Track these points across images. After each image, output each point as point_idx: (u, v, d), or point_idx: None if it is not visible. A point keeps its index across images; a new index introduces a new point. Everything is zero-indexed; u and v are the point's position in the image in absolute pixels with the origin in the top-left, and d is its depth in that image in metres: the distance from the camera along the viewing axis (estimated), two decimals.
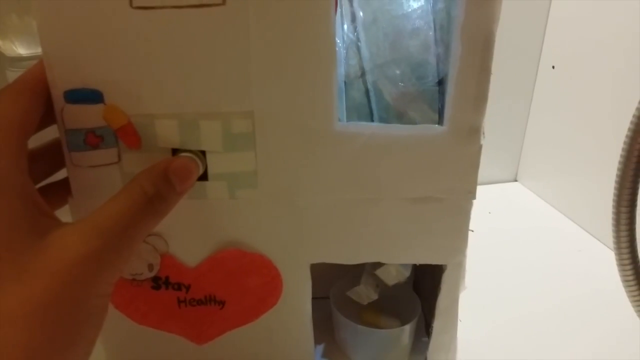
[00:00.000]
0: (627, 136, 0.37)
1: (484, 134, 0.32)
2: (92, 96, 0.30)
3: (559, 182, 0.70)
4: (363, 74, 0.36)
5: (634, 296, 0.39)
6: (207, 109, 0.31)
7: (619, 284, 0.40)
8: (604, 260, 0.58)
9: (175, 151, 0.32)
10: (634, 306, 0.40)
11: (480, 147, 0.32)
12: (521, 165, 0.77)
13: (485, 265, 0.57)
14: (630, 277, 0.40)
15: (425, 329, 0.43)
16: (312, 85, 0.30)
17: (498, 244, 0.62)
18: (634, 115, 0.36)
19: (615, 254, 0.40)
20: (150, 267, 0.35)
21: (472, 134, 0.31)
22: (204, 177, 0.32)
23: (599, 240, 0.62)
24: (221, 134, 0.31)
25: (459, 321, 0.48)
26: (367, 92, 0.36)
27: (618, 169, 0.38)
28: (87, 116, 0.31)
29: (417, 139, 0.32)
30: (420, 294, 0.44)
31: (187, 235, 0.34)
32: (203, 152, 0.32)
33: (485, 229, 0.65)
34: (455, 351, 0.40)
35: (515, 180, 0.78)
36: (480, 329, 0.48)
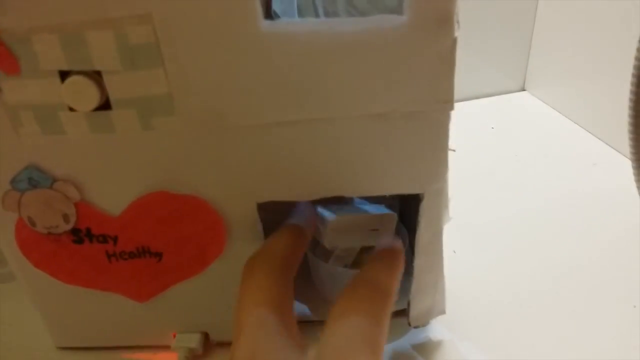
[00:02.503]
0: None
1: (458, 22, 0.24)
2: None
3: (572, 89, 0.62)
4: None
5: None
6: (92, 16, 0.24)
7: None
8: (623, 174, 0.51)
9: (64, 74, 0.25)
10: None
11: (454, 40, 0.24)
12: (529, 72, 0.68)
13: (488, 189, 0.51)
14: None
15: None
16: None
17: (503, 163, 0.55)
18: None
19: (633, 165, 0.33)
20: (66, 217, 0.29)
21: (442, 23, 0.24)
22: (106, 105, 0.26)
23: (617, 150, 0.55)
24: (115, 47, 0.24)
25: (453, 253, 0.43)
26: None
27: (634, 67, 0.30)
28: None
29: (370, 35, 0.24)
30: (408, 226, 0.38)
31: (101, 178, 0.28)
32: (99, 73, 0.25)
33: (488, 146, 0.58)
34: (444, 292, 0.34)
35: (523, 90, 0.70)
36: (482, 262, 0.42)
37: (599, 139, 0.58)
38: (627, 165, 0.52)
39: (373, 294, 0.24)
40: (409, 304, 0.34)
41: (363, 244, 0.35)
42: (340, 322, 0.22)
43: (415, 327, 0.35)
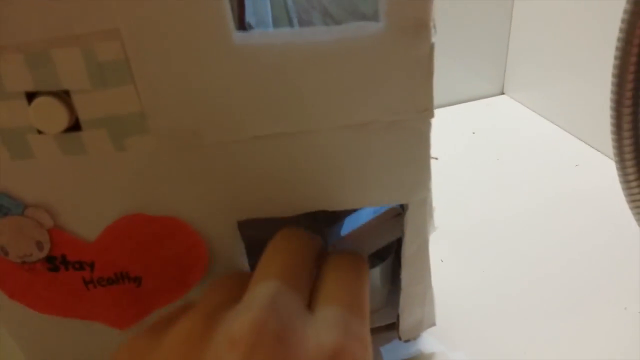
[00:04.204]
0: (623, 21, 0.29)
1: (435, 28, 0.24)
2: None
3: (551, 91, 0.62)
4: None
5: None
6: (57, 33, 0.23)
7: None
8: (606, 174, 0.51)
9: (31, 96, 0.24)
10: (639, 224, 0.33)
11: (432, 46, 0.24)
12: (507, 75, 0.69)
13: (472, 194, 0.50)
14: (636, 191, 0.33)
15: None
16: None
17: (486, 167, 0.55)
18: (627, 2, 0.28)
19: (617, 166, 0.33)
20: (40, 245, 0.28)
21: (419, 30, 0.23)
22: (76, 126, 0.25)
23: (599, 151, 0.55)
24: (84, 64, 0.23)
25: (440, 262, 0.42)
26: None
27: (615, 57, 0.30)
28: None
29: (346, 44, 0.24)
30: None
31: (74, 202, 0.27)
32: (67, 93, 0.24)
33: (470, 151, 0.58)
34: (433, 303, 0.33)
35: (502, 93, 0.70)
36: (469, 269, 0.41)
37: (580, 139, 0.58)
38: (609, 165, 0.53)
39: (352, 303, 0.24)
40: (398, 318, 0.33)
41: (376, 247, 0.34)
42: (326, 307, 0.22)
43: (406, 341, 0.34)
